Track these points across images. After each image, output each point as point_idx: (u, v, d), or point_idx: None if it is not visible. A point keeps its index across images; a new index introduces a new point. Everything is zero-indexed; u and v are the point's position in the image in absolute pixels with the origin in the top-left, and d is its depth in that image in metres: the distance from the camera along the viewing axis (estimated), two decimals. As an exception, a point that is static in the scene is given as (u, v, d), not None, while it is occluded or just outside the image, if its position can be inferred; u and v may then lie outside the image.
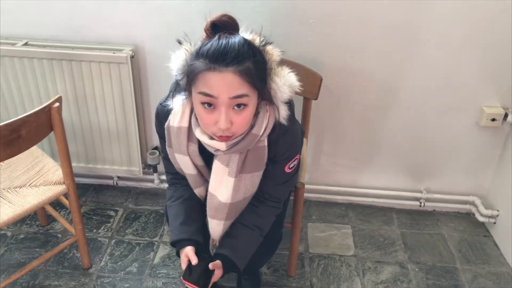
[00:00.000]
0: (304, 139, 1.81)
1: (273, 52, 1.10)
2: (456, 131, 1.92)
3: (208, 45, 1.02)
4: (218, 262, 1.21)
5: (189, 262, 1.20)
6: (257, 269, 1.69)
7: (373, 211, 2.12)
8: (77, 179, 2.15)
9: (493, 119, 1.84)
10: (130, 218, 2.01)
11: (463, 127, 1.90)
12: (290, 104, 1.17)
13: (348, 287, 1.73)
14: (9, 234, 1.90)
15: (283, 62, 1.67)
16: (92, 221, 1.99)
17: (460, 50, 1.73)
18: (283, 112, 1.13)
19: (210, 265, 1.19)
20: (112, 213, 2.04)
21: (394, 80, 1.83)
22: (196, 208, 1.32)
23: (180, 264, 1.77)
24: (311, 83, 1.69)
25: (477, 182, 2.04)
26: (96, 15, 1.76)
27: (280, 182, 1.28)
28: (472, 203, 2.08)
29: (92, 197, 2.12)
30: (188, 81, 1.07)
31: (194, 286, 1.16)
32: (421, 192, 2.07)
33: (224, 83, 1.00)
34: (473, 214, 2.08)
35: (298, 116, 1.77)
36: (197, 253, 1.22)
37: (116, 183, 2.17)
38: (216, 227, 1.29)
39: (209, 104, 1.04)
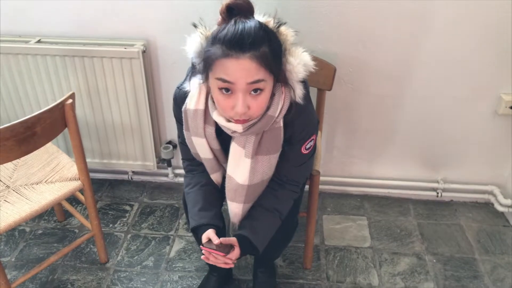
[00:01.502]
0: (318, 131, 1.80)
1: (287, 33, 1.11)
2: (473, 119, 1.88)
3: (225, 31, 1.02)
4: (233, 238, 1.22)
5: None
6: (273, 259, 1.69)
7: (389, 202, 2.09)
8: (92, 175, 2.17)
9: (512, 107, 1.80)
10: (145, 212, 2.03)
11: (481, 115, 1.86)
12: (305, 83, 1.18)
13: (365, 279, 1.72)
14: (27, 229, 1.92)
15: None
16: (108, 216, 2.00)
17: (476, 37, 1.68)
18: (299, 91, 1.14)
19: (222, 239, 1.19)
20: (127, 207, 2.05)
21: (408, 69, 1.79)
22: (214, 193, 1.33)
23: (196, 258, 1.78)
24: (324, 74, 1.67)
25: (495, 171, 2.00)
26: (107, 11, 1.76)
27: (297, 164, 1.29)
28: (491, 193, 2.04)
29: (108, 192, 2.14)
30: (205, 66, 1.08)
31: (212, 250, 1.16)
32: (438, 182, 2.04)
33: (242, 69, 1.01)
34: (492, 204, 2.04)
35: (312, 107, 1.76)
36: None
37: (131, 178, 2.18)
38: (235, 209, 1.29)
39: (227, 90, 1.05)
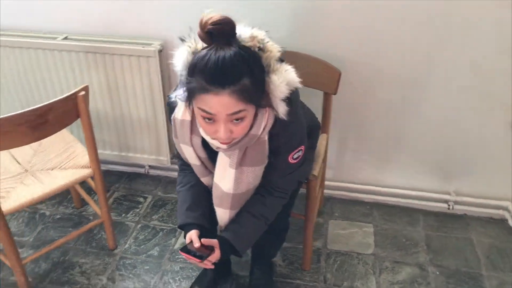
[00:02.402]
0: (324, 135, 1.82)
1: (273, 49, 1.11)
2: (488, 130, 1.83)
3: (204, 62, 1.02)
4: (214, 240, 1.26)
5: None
6: (269, 258, 1.71)
7: (398, 212, 2.07)
8: (111, 167, 2.30)
9: (528, 120, 1.74)
10: (157, 205, 2.11)
11: (496, 126, 1.81)
12: (290, 99, 1.15)
13: (363, 284, 1.71)
14: (47, 213, 2.05)
15: (302, 57, 1.69)
16: (122, 206, 2.10)
17: (492, 44, 1.64)
18: (282, 109, 1.14)
19: (203, 240, 1.24)
20: (141, 199, 2.14)
21: (420, 76, 1.78)
22: (202, 194, 1.37)
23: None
24: (330, 77, 1.69)
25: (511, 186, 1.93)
26: (129, 12, 1.86)
27: (286, 173, 1.31)
28: (506, 209, 1.97)
29: (125, 184, 2.24)
30: (188, 96, 1.10)
31: (189, 256, 1.22)
32: (450, 194, 2.00)
33: (221, 104, 1.03)
34: (507, 220, 1.97)
35: (319, 111, 1.78)
36: (200, 237, 1.27)
37: (147, 172, 2.27)
38: (222, 215, 1.33)
39: (209, 119, 1.08)
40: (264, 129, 1.18)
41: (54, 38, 1.91)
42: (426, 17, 1.65)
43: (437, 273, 1.76)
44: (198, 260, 1.21)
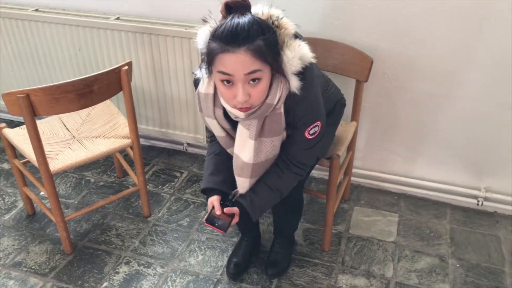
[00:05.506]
0: (354, 122, 1.86)
1: (288, 26, 1.19)
2: (523, 128, 1.80)
3: (222, 28, 1.13)
4: (236, 209, 1.37)
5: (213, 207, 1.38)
6: (289, 232, 1.79)
7: (426, 204, 2.07)
8: (154, 142, 2.46)
9: None
10: (192, 180, 2.23)
11: (531, 124, 1.78)
12: (303, 74, 1.23)
13: (379, 269, 1.75)
14: (92, 180, 2.23)
15: (337, 46, 1.75)
16: (160, 179, 2.24)
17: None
18: (294, 82, 1.22)
19: (225, 209, 1.36)
20: (177, 174, 2.28)
21: (455, 70, 1.78)
22: (225, 161, 1.45)
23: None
24: (362, 65, 1.74)
25: (546, 187, 1.89)
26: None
27: (304, 147, 1.37)
28: (538, 209, 1.93)
29: (164, 159, 2.39)
30: (208, 61, 1.19)
31: (214, 228, 1.35)
32: (480, 190, 1.98)
33: (238, 62, 1.12)
34: (539, 221, 1.93)
35: (350, 98, 1.82)
36: (221, 201, 1.39)
37: (186, 149, 2.41)
38: (242, 184, 1.42)
39: (228, 81, 1.17)
40: (279, 99, 1.25)
41: (107, 18, 2.07)
42: (463, 10, 1.65)
43: (457, 265, 1.77)
44: (222, 231, 1.34)
